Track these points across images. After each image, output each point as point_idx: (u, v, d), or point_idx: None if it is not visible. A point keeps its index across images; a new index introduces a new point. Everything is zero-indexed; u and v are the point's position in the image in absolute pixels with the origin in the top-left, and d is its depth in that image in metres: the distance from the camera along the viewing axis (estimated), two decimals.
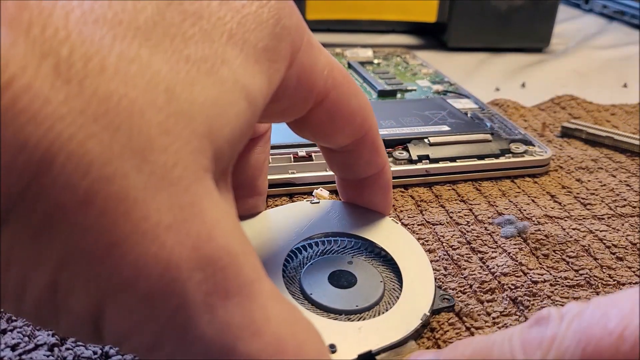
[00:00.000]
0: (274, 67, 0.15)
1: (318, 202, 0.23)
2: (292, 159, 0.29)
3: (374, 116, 0.20)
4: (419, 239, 0.25)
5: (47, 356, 0.18)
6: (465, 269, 0.23)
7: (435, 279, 0.21)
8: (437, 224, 0.26)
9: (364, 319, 0.19)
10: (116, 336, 0.12)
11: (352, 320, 0.19)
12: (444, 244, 0.25)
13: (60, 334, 0.18)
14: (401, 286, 0.20)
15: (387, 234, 0.22)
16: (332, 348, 0.17)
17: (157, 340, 0.12)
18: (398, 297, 0.19)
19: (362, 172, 0.21)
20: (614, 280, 0.23)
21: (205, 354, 0.12)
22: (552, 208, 0.28)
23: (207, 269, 0.12)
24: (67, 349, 0.18)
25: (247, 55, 0.13)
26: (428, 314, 0.19)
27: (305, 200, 0.24)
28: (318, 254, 0.22)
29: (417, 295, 0.19)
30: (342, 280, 0.20)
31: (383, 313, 0.19)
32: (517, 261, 0.24)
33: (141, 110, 0.11)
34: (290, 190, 0.28)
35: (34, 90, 0.11)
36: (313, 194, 0.27)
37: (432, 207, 0.28)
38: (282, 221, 0.22)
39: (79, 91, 0.11)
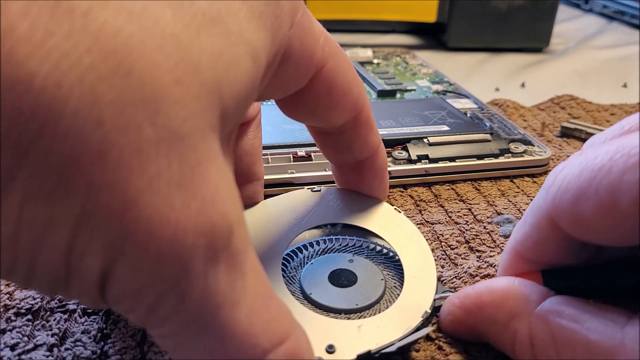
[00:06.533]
0: (277, 22, 0.14)
1: (319, 190, 0.23)
2: (292, 159, 0.29)
3: (366, 93, 0.19)
4: None
5: (47, 356, 0.18)
6: (462, 265, 0.23)
7: None
8: (436, 223, 0.26)
9: (364, 318, 0.19)
10: (118, 297, 0.12)
11: (352, 319, 0.19)
12: (443, 243, 0.25)
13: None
14: (402, 284, 0.20)
15: (391, 225, 0.22)
16: (331, 349, 0.17)
17: (155, 302, 0.12)
18: (399, 295, 0.19)
19: (359, 153, 0.21)
20: None
21: (191, 319, 0.12)
22: None
23: (209, 235, 0.12)
24: (67, 349, 0.18)
25: (250, 7, 0.13)
26: (429, 311, 0.19)
27: (306, 188, 0.23)
28: (319, 252, 0.21)
29: (419, 293, 0.19)
30: (343, 279, 0.20)
31: (383, 311, 0.19)
32: None
33: (151, 53, 0.10)
34: (289, 190, 0.28)
35: (33, 17, 0.09)
36: None
37: (431, 206, 0.28)
38: (283, 211, 0.22)
39: (84, 24, 0.10)
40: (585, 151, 0.16)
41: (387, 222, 0.22)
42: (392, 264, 0.21)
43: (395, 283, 0.20)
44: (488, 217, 0.27)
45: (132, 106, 0.10)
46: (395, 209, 0.22)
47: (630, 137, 0.15)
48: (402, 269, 0.20)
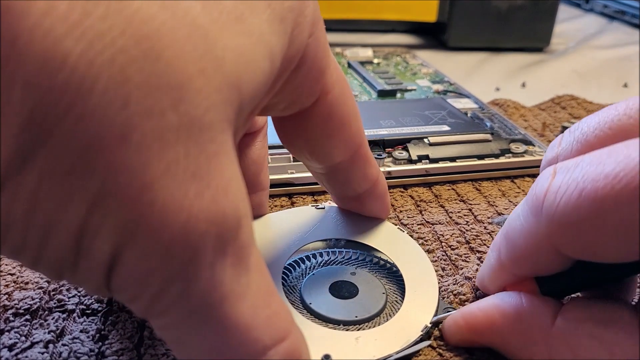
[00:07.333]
0: (297, 29, 0.14)
1: (323, 208, 0.23)
2: (291, 159, 0.29)
3: (364, 131, 0.20)
4: (418, 238, 0.25)
5: (42, 353, 0.18)
6: (462, 268, 0.23)
7: None
8: (436, 224, 0.26)
9: (362, 330, 0.19)
10: (124, 283, 0.12)
11: (350, 331, 0.18)
12: (443, 244, 0.25)
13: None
14: (404, 299, 0.20)
15: (394, 242, 0.22)
16: (327, 359, 0.17)
17: (160, 290, 0.12)
18: (399, 309, 0.19)
19: (358, 187, 0.21)
20: None
21: (195, 310, 0.12)
22: None
23: (219, 225, 0.12)
24: (63, 344, 0.18)
25: (273, 10, 0.13)
26: (429, 325, 0.19)
27: (310, 205, 0.23)
28: (321, 264, 0.21)
29: (420, 308, 0.19)
30: (344, 290, 0.20)
31: (383, 324, 0.19)
32: None
33: (180, 42, 0.11)
34: (289, 190, 0.28)
35: None
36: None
37: (432, 207, 0.28)
38: (286, 225, 0.22)
39: (119, 8, 0.10)
40: (561, 171, 0.15)
41: (390, 239, 0.22)
42: (394, 278, 0.21)
43: (396, 297, 0.20)
44: (489, 218, 0.27)
45: (157, 91, 0.10)
46: (398, 228, 0.23)
47: (621, 155, 0.14)
48: (404, 283, 0.20)
